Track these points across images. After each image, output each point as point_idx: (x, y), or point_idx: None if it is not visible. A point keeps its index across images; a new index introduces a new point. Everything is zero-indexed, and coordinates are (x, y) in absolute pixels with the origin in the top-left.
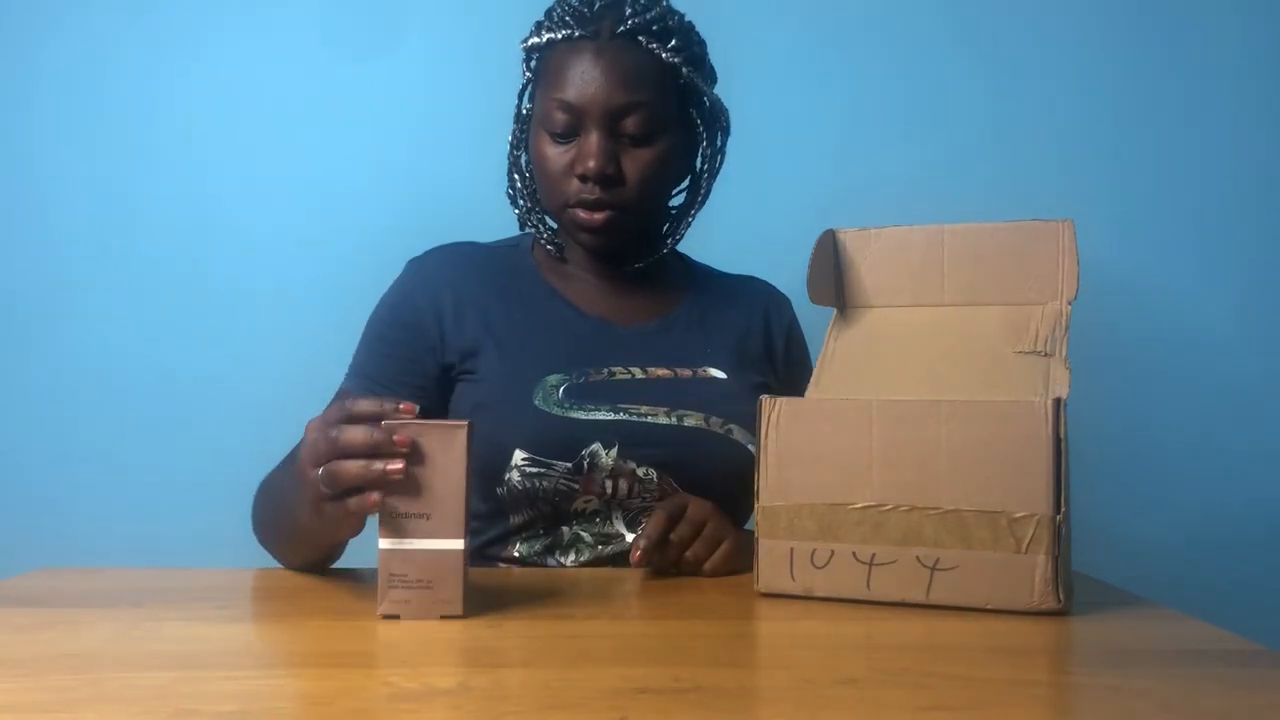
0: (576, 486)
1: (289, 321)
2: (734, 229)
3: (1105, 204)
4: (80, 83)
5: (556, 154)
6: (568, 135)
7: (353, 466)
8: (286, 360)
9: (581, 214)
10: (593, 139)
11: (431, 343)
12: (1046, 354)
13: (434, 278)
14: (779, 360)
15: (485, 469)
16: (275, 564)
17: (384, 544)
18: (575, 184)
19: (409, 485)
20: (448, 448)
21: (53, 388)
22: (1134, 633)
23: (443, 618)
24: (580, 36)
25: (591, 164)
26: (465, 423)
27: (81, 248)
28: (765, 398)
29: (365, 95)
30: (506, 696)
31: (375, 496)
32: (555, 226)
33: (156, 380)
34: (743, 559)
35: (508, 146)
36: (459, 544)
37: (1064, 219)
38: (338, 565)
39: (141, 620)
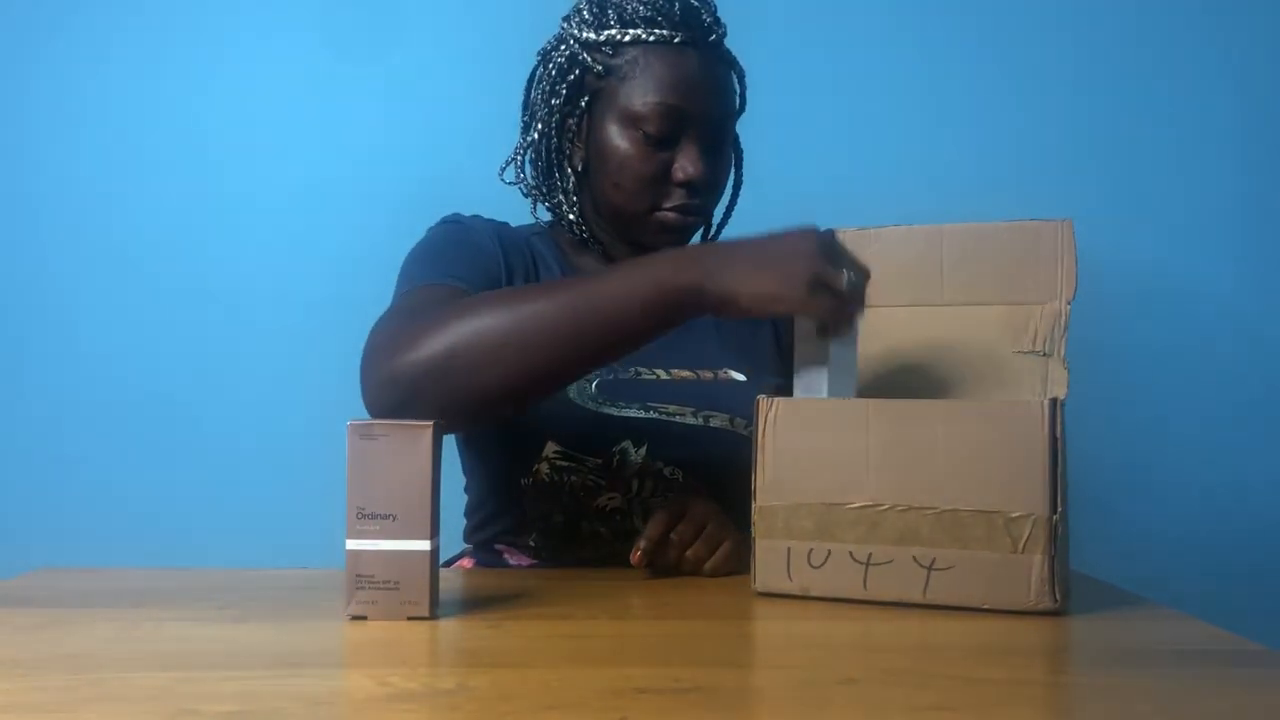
0: (603, 483)
1: (288, 322)
2: (734, 229)
3: (1105, 204)
4: (79, 83)
5: (647, 157)
6: (665, 140)
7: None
8: (286, 361)
9: (674, 217)
10: (698, 147)
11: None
12: (1045, 354)
13: (485, 228)
14: (786, 356)
15: (515, 458)
16: (275, 564)
17: (350, 544)
18: (673, 189)
19: (375, 486)
20: (413, 448)
21: (53, 388)
22: (1133, 633)
23: (410, 619)
24: (680, 40)
25: (696, 172)
26: (430, 423)
27: (80, 248)
28: (762, 397)
29: (365, 97)
30: (506, 696)
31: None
32: (580, 221)
33: (156, 380)
34: (743, 560)
35: (535, 137)
36: (426, 545)
37: (1063, 219)
38: (334, 567)
39: (141, 620)
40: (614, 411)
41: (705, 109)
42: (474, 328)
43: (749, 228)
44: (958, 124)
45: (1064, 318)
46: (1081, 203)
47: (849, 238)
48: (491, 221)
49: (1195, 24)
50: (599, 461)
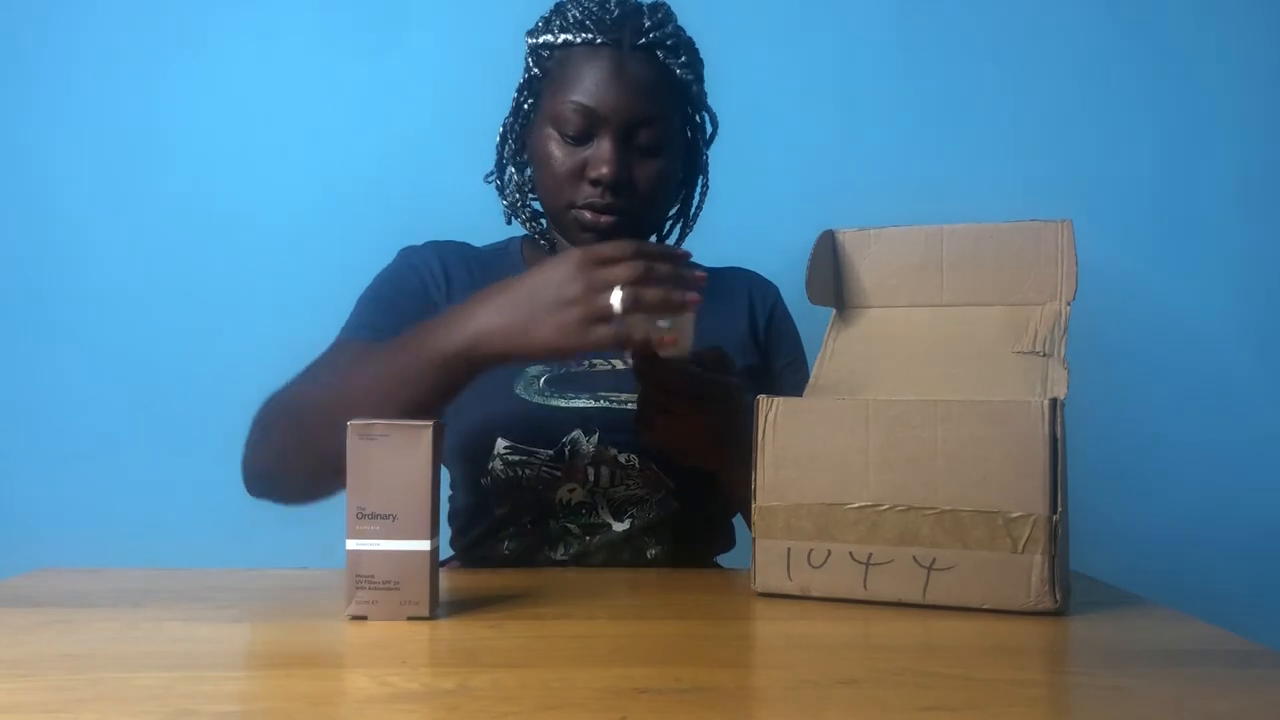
0: (558, 474)
1: (288, 322)
2: (733, 229)
3: (1104, 204)
4: (79, 82)
5: (566, 155)
6: (580, 138)
7: (656, 291)
8: (285, 361)
9: (588, 216)
10: (609, 146)
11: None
12: (1045, 354)
13: (432, 262)
14: (761, 336)
15: (470, 459)
16: (278, 564)
17: (351, 544)
18: (585, 188)
19: (375, 485)
20: (414, 448)
21: (53, 387)
22: (1133, 633)
23: (410, 619)
24: (602, 43)
25: (606, 171)
26: (431, 422)
27: (80, 248)
28: (762, 397)
29: (364, 96)
30: (506, 696)
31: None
32: (543, 220)
33: (156, 380)
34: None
35: (497, 140)
36: (426, 545)
37: (1063, 219)
38: (334, 567)
39: (141, 620)
40: (561, 403)
41: (618, 110)
42: (291, 422)
43: (751, 228)
44: (958, 124)
45: (1064, 318)
46: (1082, 203)
47: (849, 238)
48: (444, 249)
49: (1196, 22)
50: (549, 452)
